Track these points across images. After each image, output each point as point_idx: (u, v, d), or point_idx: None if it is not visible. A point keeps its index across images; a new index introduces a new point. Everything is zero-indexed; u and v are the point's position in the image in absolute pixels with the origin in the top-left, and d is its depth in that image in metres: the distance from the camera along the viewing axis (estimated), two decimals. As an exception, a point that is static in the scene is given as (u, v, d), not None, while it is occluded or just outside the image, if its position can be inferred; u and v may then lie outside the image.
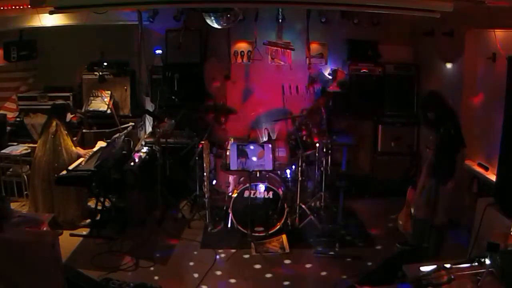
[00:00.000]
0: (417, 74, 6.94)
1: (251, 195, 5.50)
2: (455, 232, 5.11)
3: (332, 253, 5.23)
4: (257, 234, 5.54)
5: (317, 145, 6.05)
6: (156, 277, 4.68)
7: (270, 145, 5.77)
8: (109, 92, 6.80)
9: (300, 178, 5.86)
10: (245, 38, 7.28)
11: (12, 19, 5.96)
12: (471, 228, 4.51)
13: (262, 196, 5.61)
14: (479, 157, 5.43)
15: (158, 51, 7.11)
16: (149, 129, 7.28)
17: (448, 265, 3.09)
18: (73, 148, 5.70)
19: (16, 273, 2.98)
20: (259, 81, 7.42)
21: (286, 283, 4.72)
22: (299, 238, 5.58)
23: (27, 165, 6.19)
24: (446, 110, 4.62)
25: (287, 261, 5.12)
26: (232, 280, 4.76)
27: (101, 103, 6.72)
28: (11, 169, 6.38)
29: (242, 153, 5.70)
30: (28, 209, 5.77)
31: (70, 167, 5.39)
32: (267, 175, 5.82)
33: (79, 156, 5.66)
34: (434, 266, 3.10)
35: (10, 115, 6.93)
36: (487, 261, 3.05)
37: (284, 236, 5.58)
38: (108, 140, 5.78)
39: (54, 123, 5.58)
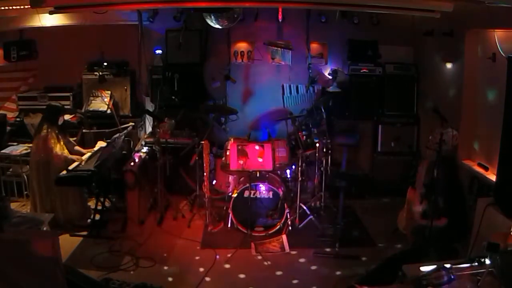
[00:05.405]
0: (417, 74, 6.93)
1: (251, 195, 5.51)
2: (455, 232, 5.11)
3: (332, 253, 5.23)
4: (257, 234, 5.55)
5: (317, 145, 6.05)
6: (156, 277, 4.66)
7: (270, 145, 5.78)
8: (109, 92, 6.79)
9: (300, 178, 5.86)
10: (245, 38, 7.29)
11: (12, 19, 5.96)
12: (471, 228, 4.51)
13: (262, 196, 5.61)
14: (479, 157, 5.43)
15: (158, 51, 7.11)
16: (149, 129, 7.28)
17: (448, 265, 3.08)
18: (65, 152, 5.62)
19: (16, 273, 2.98)
20: (259, 81, 7.42)
21: (286, 283, 4.72)
22: (299, 238, 5.58)
23: (27, 165, 6.17)
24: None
25: (287, 261, 5.11)
26: (232, 280, 4.76)
27: (101, 103, 6.72)
28: (11, 169, 6.38)
29: (242, 153, 5.70)
30: (28, 209, 5.77)
31: (70, 167, 5.40)
32: (267, 175, 5.82)
33: (72, 160, 5.59)
34: (434, 266, 3.10)
35: (10, 115, 6.93)
36: (487, 261, 3.05)
37: (284, 236, 5.59)
38: (108, 140, 5.78)
39: (45, 128, 5.55)
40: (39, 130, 5.60)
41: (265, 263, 5.05)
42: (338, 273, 4.83)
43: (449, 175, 4.89)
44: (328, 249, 5.29)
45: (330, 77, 7.18)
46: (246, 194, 5.54)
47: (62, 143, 5.63)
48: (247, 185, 5.51)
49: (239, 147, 5.72)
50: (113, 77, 6.91)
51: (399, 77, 6.94)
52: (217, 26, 5.81)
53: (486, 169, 5.18)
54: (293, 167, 6.22)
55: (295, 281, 4.73)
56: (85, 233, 5.51)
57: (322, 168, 6.14)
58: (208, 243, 5.47)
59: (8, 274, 2.96)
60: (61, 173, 5.29)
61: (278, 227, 5.62)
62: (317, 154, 6.10)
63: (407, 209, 5.19)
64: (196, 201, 6.34)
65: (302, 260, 5.14)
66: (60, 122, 5.71)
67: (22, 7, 4.87)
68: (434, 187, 4.62)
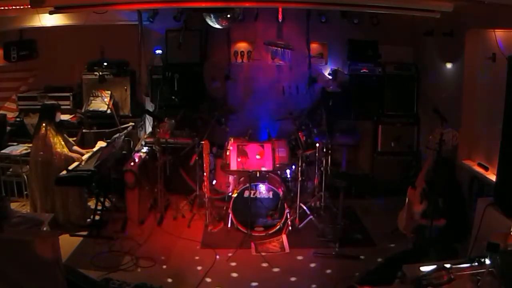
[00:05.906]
0: (417, 74, 6.93)
1: (251, 195, 5.51)
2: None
3: (332, 253, 5.23)
4: (257, 234, 5.55)
5: (317, 145, 6.05)
6: (156, 277, 4.66)
7: (270, 145, 5.78)
8: (109, 92, 6.78)
9: (300, 178, 5.86)
10: (245, 38, 7.28)
11: (12, 19, 5.96)
12: (471, 228, 4.51)
13: (262, 196, 5.61)
14: (479, 157, 5.43)
15: (158, 51, 7.11)
16: (149, 129, 7.28)
17: (448, 265, 3.09)
18: (65, 149, 5.64)
19: (16, 273, 2.98)
20: (259, 81, 7.42)
21: (286, 283, 4.72)
22: (299, 238, 5.58)
23: (27, 165, 6.17)
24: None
25: (287, 261, 5.11)
26: (232, 280, 4.76)
27: (101, 103, 6.71)
28: (11, 169, 6.38)
29: (242, 153, 5.70)
30: (28, 209, 5.77)
31: (70, 167, 5.40)
32: (267, 175, 5.82)
33: (72, 159, 5.61)
34: (434, 266, 3.10)
35: (10, 115, 6.93)
36: (487, 261, 3.05)
37: (284, 236, 5.59)
38: (108, 140, 5.78)
39: (43, 126, 5.56)
40: (37, 129, 5.62)
41: (265, 263, 5.05)
42: (338, 273, 4.83)
43: (449, 175, 4.89)
44: (328, 249, 5.29)
45: (330, 77, 7.18)
46: (246, 194, 5.55)
47: (61, 139, 5.64)
48: (247, 185, 5.51)
49: (239, 147, 5.72)
50: (113, 77, 6.90)
51: (399, 77, 6.93)
52: (217, 26, 5.81)
53: (486, 169, 5.18)
54: (293, 167, 6.22)
55: (295, 282, 4.73)
56: (85, 233, 5.51)
57: (322, 168, 6.15)
58: (208, 243, 5.47)
59: (8, 274, 2.96)
60: (61, 173, 5.29)
61: (278, 227, 5.62)
62: (317, 154, 6.11)
63: (407, 209, 5.19)
64: (196, 201, 6.34)
65: (302, 260, 5.14)
66: (57, 119, 5.71)
67: (22, 7, 4.87)
68: (434, 187, 4.63)
